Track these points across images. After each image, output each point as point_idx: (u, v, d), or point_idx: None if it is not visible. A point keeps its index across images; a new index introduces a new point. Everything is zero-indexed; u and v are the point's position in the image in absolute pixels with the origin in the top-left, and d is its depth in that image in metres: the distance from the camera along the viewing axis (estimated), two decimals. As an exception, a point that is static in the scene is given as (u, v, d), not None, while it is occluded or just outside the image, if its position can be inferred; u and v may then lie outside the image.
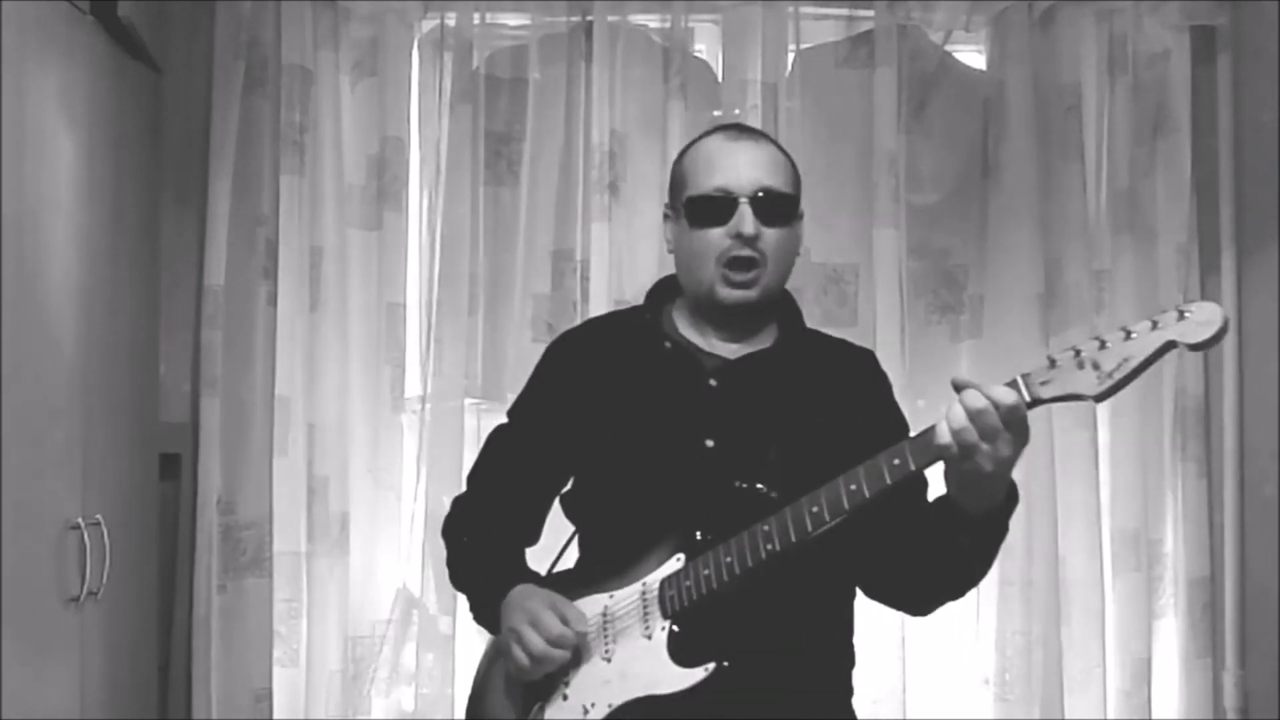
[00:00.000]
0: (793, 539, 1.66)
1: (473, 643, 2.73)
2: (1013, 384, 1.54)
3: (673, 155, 2.17)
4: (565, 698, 1.78)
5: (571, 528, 1.97)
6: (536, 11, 3.05)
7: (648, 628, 1.74)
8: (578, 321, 2.84)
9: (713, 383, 1.85)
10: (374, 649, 3.00)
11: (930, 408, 2.90)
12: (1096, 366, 1.50)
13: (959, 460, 1.55)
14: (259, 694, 2.93)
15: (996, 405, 1.52)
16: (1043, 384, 1.53)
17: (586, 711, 1.75)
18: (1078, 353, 1.52)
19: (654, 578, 1.76)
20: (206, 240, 2.97)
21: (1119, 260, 3.05)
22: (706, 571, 1.71)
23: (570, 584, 1.83)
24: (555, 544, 2.00)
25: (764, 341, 1.90)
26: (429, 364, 3.00)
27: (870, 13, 3.05)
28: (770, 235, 1.82)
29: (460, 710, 2.07)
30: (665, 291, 1.96)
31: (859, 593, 1.89)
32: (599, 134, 2.99)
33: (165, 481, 2.91)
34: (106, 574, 2.33)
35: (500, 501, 1.97)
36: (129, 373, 2.67)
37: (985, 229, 3.06)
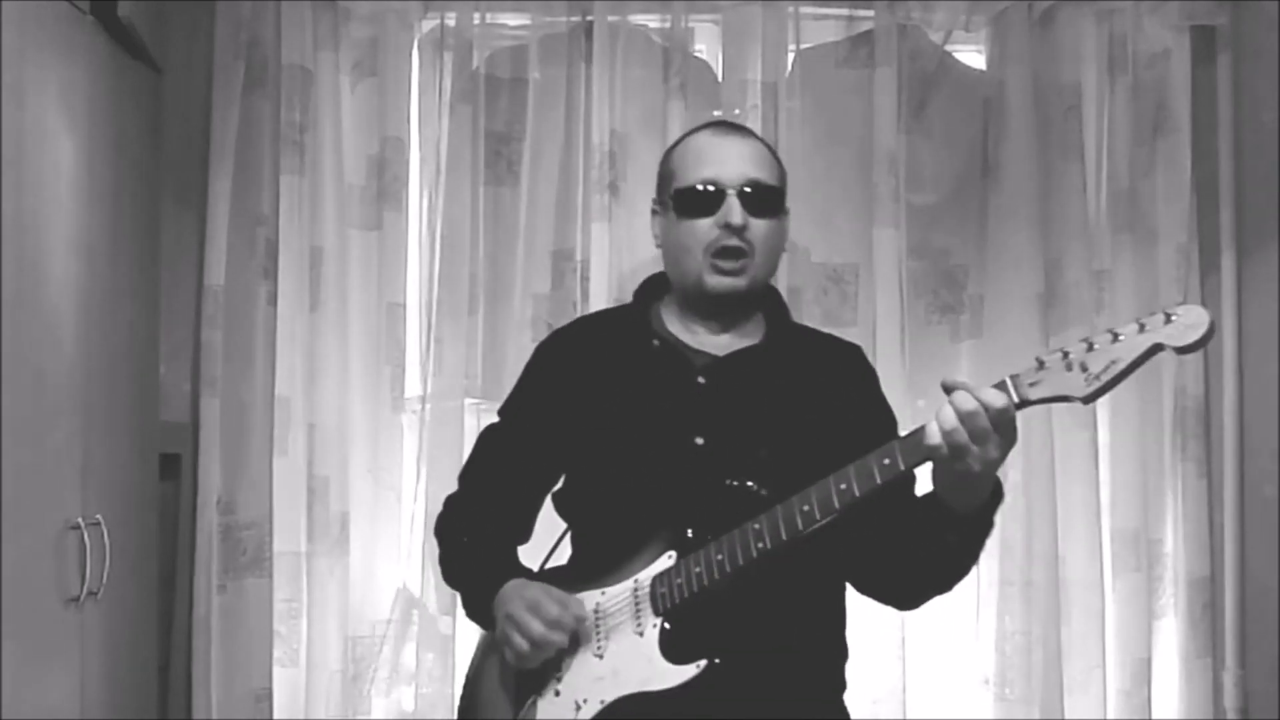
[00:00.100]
0: (783, 537, 1.67)
1: (473, 642, 2.72)
2: (1001, 385, 1.55)
3: (673, 155, 2.17)
4: (558, 694, 1.79)
5: (563, 525, 1.98)
6: (536, 11, 3.05)
7: (639, 625, 1.75)
8: (578, 321, 2.84)
9: (701, 380, 1.85)
10: (374, 649, 2.99)
11: (930, 407, 2.88)
12: (1084, 368, 1.51)
13: (949, 461, 1.56)
14: (259, 694, 2.93)
15: (987, 408, 1.53)
16: (1031, 385, 1.55)
17: (579, 708, 1.76)
18: (1065, 355, 1.53)
19: (645, 575, 1.77)
20: (206, 240, 2.97)
21: (1119, 260, 3.04)
22: (698, 569, 1.72)
23: (562, 581, 1.84)
24: (547, 542, 2.00)
25: (752, 335, 1.91)
26: (429, 364, 3.00)
27: (870, 13, 3.05)
28: (758, 226, 1.83)
29: (460, 710, 2.07)
30: (653, 289, 1.98)
31: (849, 588, 1.90)
32: (599, 134, 2.99)
33: (165, 481, 2.91)
34: (106, 574, 2.33)
35: (492, 499, 1.98)
36: (129, 372, 2.67)
37: (985, 229, 3.05)
